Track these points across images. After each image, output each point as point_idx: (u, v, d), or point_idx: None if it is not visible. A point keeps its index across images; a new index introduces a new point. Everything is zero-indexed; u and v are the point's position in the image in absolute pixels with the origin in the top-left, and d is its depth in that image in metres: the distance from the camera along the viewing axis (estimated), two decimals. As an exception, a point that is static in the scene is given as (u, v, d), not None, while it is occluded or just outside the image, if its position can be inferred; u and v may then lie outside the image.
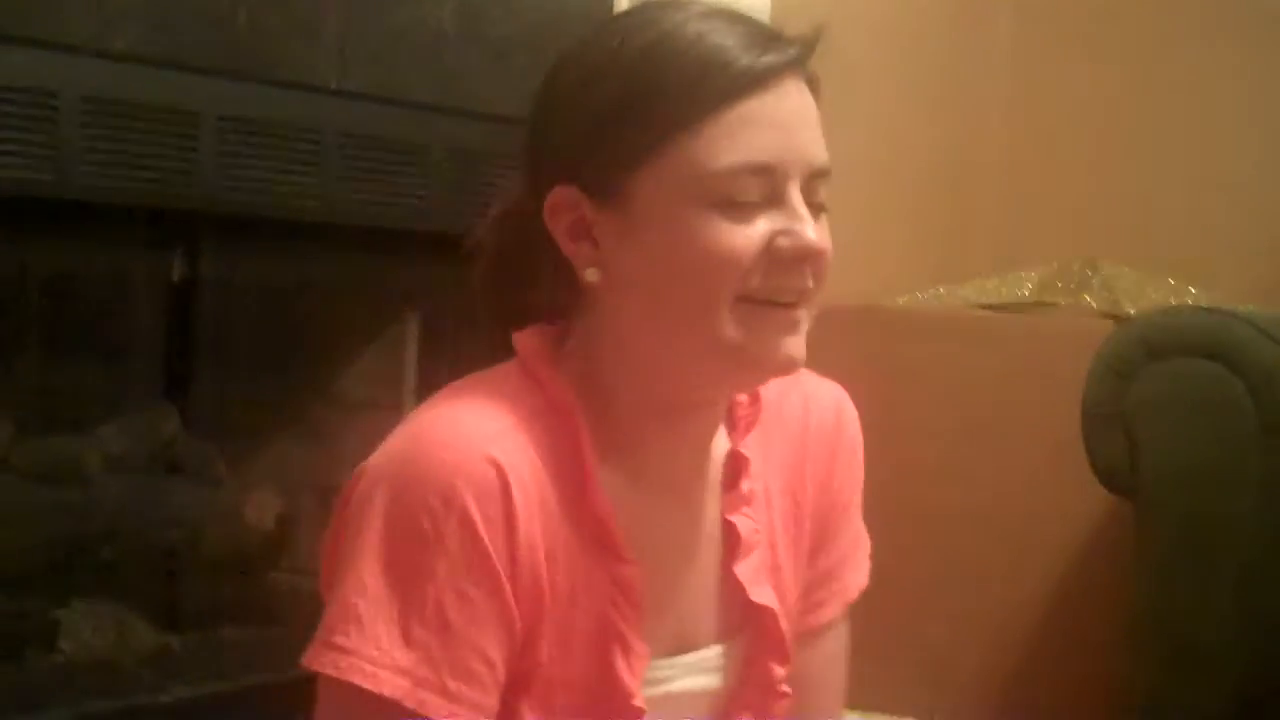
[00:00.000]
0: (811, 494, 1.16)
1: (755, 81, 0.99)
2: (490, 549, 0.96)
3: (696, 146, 0.98)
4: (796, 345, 1.01)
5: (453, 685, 0.95)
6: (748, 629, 1.12)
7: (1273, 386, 1.79)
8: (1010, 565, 2.25)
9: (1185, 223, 2.73)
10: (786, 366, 1.02)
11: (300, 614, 1.99)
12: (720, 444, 1.11)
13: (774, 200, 1.00)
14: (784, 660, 1.12)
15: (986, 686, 2.24)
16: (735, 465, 1.11)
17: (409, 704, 0.95)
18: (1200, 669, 1.82)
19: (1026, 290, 2.40)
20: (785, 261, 0.99)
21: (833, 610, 1.20)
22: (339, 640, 0.95)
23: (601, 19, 1.95)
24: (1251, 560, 1.80)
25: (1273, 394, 1.78)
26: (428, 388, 2.03)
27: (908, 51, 2.72)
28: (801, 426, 1.15)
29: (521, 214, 1.06)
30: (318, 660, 0.96)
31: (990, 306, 2.40)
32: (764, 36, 1.01)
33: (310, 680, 0.99)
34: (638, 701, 1.04)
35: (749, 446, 1.11)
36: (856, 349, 2.23)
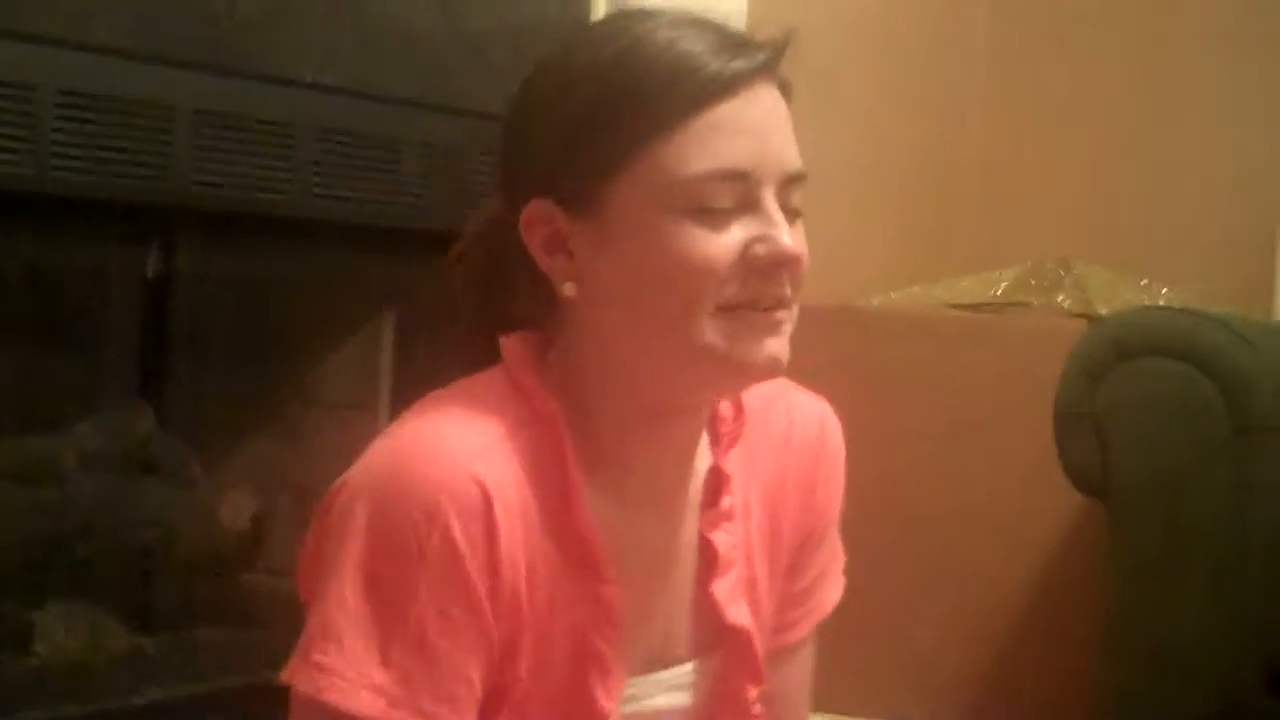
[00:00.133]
0: (792, 511, 1.15)
1: (725, 87, 0.99)
2: (471, 568, 0.95)
3: (668, 153, 0.98)
4: (778, 347, 1.01)
5: (429, 706, 0.95)
6: (722, 647, 1.11)
7: (1244, 388, 1.79)
8: (987, 565, 2.26)
9: (1158, 223, 2.74)
10: (769, 369, 1.01)
11: (276, 615, 1.99)
12: (703, 458, 1.10)
13: (749, 206, 1.00)
14: (757, 680, 1.12)
15: (966, 688, 2.25)
16: (717, 481, 1.10)
17: None
18: (1174, 670, 1.83)
19: (1000, 290, 2.41)
20: (762, 268, 0.99)
21: (806, 628, 1.20)
22: (317, 657, 0.95)
23: (578, 16, 1.97)
24: (1223, 561, 1.81)
25: (1244, 395, 1.79)
26: (404, 386, 2.04)
27: (884, 53, 2.73)
28: (785, 443, 1.15)
29: (500, 227, 1.05)
30: (296, 676, 0.96)
31: (964, 306, 2.41)
32: (734, 42, 1.01)
33: (285, 683, 0.98)
34: None
35: (731, 462, 1.11)
36: (831, 349, 2.24)
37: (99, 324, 2.03)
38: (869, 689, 2.08)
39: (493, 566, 0.96)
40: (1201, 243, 2.70)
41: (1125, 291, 2.36)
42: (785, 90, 1.04)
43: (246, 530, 2.09)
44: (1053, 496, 2.07)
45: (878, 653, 2.15)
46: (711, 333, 0.98)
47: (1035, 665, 2.20)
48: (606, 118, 0.99)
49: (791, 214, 1.02)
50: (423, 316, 2.02)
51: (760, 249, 0.99)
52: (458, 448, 0.97)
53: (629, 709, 1.06)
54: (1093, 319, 2.18)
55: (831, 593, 1.21)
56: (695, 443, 1.09)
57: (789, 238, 1.00)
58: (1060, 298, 2.35)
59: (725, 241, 0.98)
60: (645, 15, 1.04)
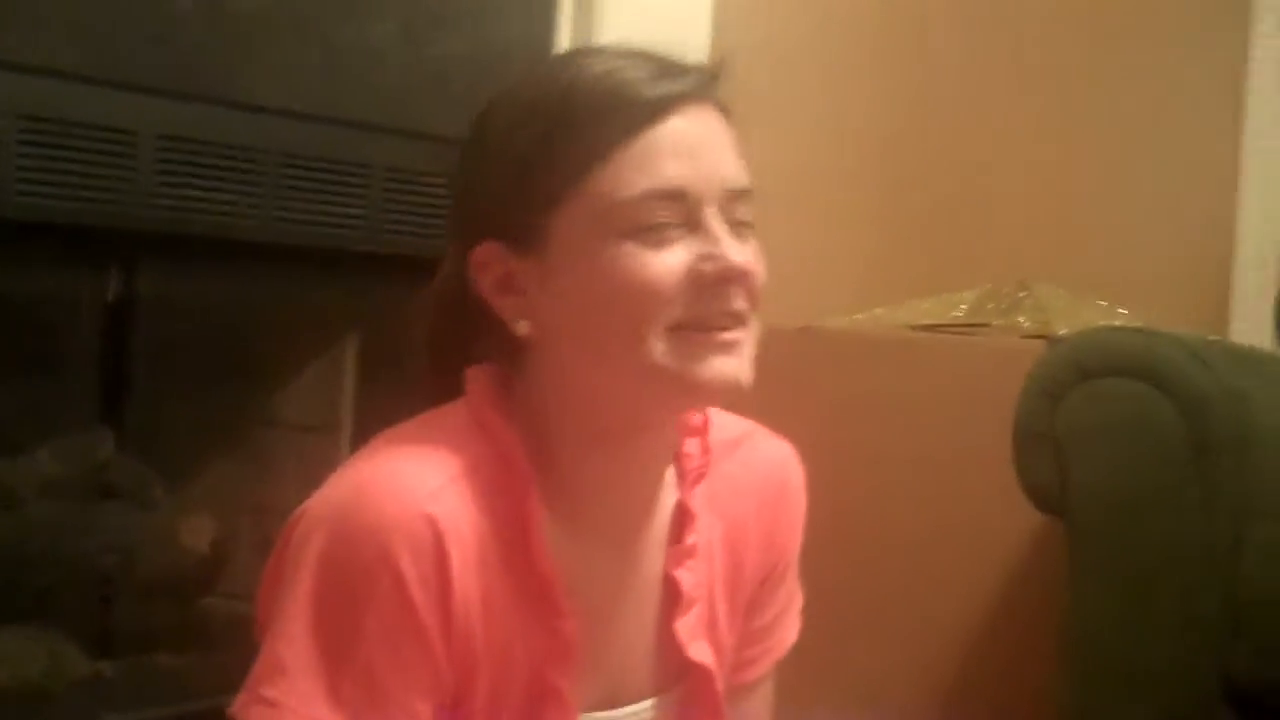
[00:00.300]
0: (754, 551, 1.16)
1: (657, 111, 1.00)
2: (422, 608, 0.95)
3: (605, 179, 0.99)
4: (734, 366, 1.01)
5: None
6: (682, 685, 1.12)
7: (1202, 408, 1.81)
8: (948, 586, 2.26)
9: (1116, 245, 2.77)
10: (724, 388, 1.02)
11: (236, 640, 1.98)
12: (669, 495, 1.11)
13: (692, 226, 1.00)
14: (718, 718, 1.12)
15: (926, 710, 2.25)
16: (682, 518, 1.11)
17: None
18: (1133, 689, 1.83)
19: (960, 311, 2.42)
20: (710, 285, 1.00)
21: (763, 667, 1.21)
22: (265, 692, 0.95)
23: (542, 40, 1.98)
24: (1182, 580, 1.82)
25: (1202, 415, 1.80)
26: (367, 409, 2.04)
27: (845, 76, 2.74)
28: (749, 483, 1.15)
29: (456, 275, 1.06)
30: (246, 709, 0.96)
31: (925, 328, 2.42)
32: (667, 68, 1.03)
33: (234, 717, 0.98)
34: None
35: (696, 500, 1.11)
36: (793, 371, 2.25)
37: (60, 348, 2.02)
38: (824, 712, 2.08)
39: (445, 605, 0.96)
40: (1159, 264, 2.73)
41: (1084, 312, 2.37)
42: (725, 112, 1.06)
43: (207, 554, 2.08)
44: (1013, 516, 2.07)
45: (837, 675, 2.16)
46: (662, 353, 0.99)
47: (996, 686, 2.21)
48: (545, 153, 1.01)
49: (741, 228, 1.03)
50: (386, 340, 2.02)
51: (706, 266, 1.00)
52: (414, 485, 0.97)
53: None
54: (1052, 339, 2.19)
55: (790, 631, 1.22)
56: (659, 476, 1.10)
57: (737, 253, 1.01)
58: (1020, 319, 2.36)
59: (669, 261, 0.99)
60: (584, 52, 1.08)
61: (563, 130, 1.01)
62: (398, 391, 1.98)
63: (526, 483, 1.02)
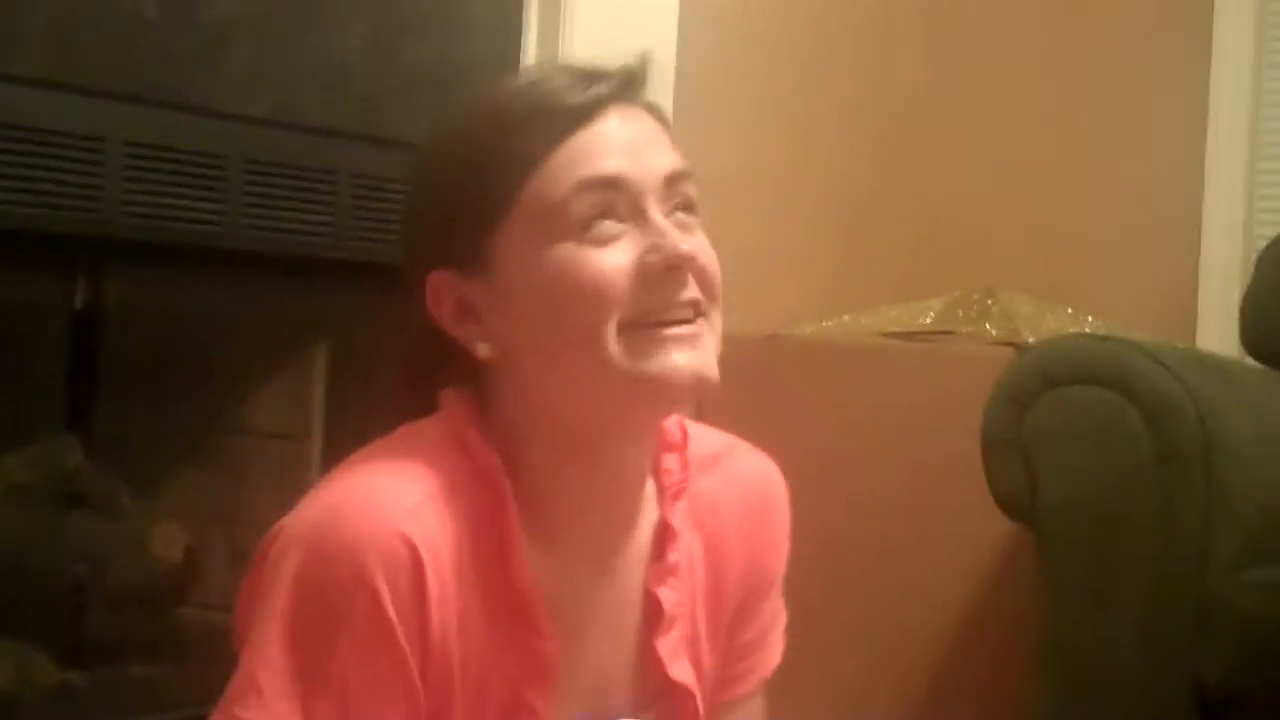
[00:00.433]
0: (735, 569, 1.15)
1: (583, 114, 1.01)
2: (397, 628, 0.95)
3: (538, 187, 1.00)
4: (693, 360, 1.00)
5: None
6: (662, 705, 1.11)
7: (1168, 416, 1.82)
8: (917, 593, 2.27)
9: (1084, 253, 2.78)
10: (685, 383, 1.00)
11: (209, 649, 1.97)
12: (649, 513, 1.10)
13: (635, 222, 1.00)
14: None
15: (895, 716, 2.26)
16: (663, 535, 1.10)
17: None
18: (1102, 695, 1.84)
19: (928, 319, 2.43)
20: (658, 275, 1.00)
21: (748, 685, 1.19)
22: (239, 712, 0.95)
23: (507, 46, 1.98)
24: (1148, 587, 1.83)
25: (1169, 423, 1.81)
26: (337, 417, 2.04)
27: (812, 84, 2.76)
28: (730, 498, 1.14)
29: (417, 312, 1.06)
30: None
31: (893, 335, 2.43)
32: (588, 75, 1.03)
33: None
34: None
35: (677, 516, 1.10)
36: (760, 378, 2.26)
37: (26, 356, 2.01)
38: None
39: (421, 625, 0.96)
40: (1126, 272, 2.74)
41: (1052, 320, 2.39)
42: (655, 113, 1.06)
43: (178, 563, 2.07)
44: (984, 523, 2.08)
45: (810, 683, 2.16)
46: (618, 353, 0.99)
47: (971, 694, 2.21)
48: (477, 174, 1.01)
49: (687, 223, 1.03)
50: (355, 347, 2.01)
51: (652, 257, 0.99)
52: (392, 504, 0.97)
53: None
54: (1020, 347, 2.20)
55: (774, 651, 1.21)
56: (637, 492, 1.09)
57: (682, 241, 1.00)
58: (988, 326, 2.38)
59: (613, 258, 0.99)
60: (509, 76, 1.07)
61: (492, 148, 1.01)
62: (368, 398, 2.00)
63: (504, 499, 1.01)
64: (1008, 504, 1.93)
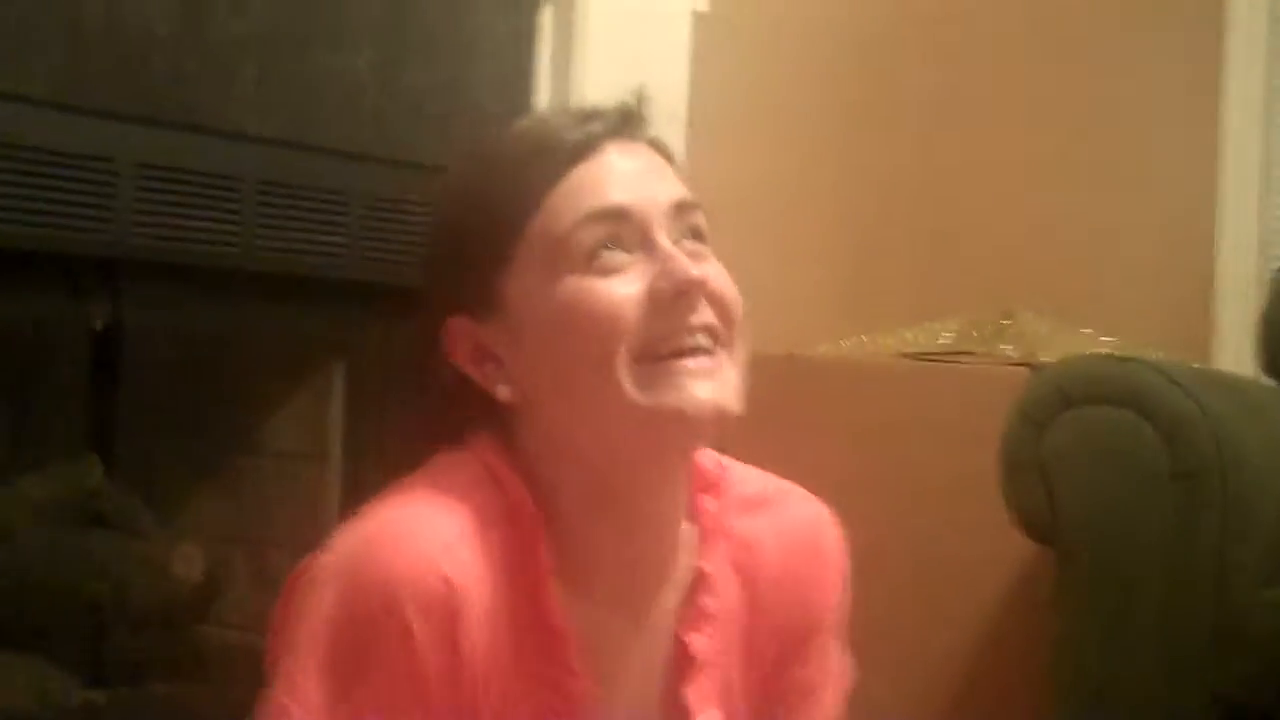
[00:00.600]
0: (777, 615, 1.12)
1: (584, 150, 1.01)
2: (429, 666, 0.94)
3: (543, 223, 1.00)
4: (713, 391, 0.98)
5: None
6: None
7: (1185, 434, 1.82)
8: (936, 613, 2.26)
9: (1098, 273, 2.78)
10: (704, 415, 0.99)
11: (228, 668, 1.98)
12: (685, 556, 1.08)
13: (643, 251, 1.00)
14: None
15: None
16: (697, 580, 1.07)
17: None
18: (1117, 715, 1.84)
19: (945, 339, 2.43)
20: (669, 301, 0.98)
21: None
22: None
23: (517, 67, 1.98)
24: (1166, 605, 1.83)
25: (1185, 441, 1.81)
26: (354, 436, 2.04)
27: (824, 101, 2.76)
28: (775, 544, 1.11)
29: (437, 358, 1.05)
30: None
31: (910, 355, 2.43)
32: (586, 115, 1.04)
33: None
34: None
35: (714, 561, 1.08)
36: (776, 398, 2.25)
37: (47, 377, 2.02)
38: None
39: (453, 664, 0.95)
40: (1141, 291, 2.74)
41: (1068, 340, 2.38)
42: (658, 148, 1.05)
43: (199, 582, 2.08)
44: (1000, 543, 2.08)
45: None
46: (631, 385, 0.97)
47: (985, 711, 2.21)
48: (483, 216, 1.02)
49: (698, 251, 1.02)
50: (372, 366, 2.02)
51: (661, 283, 0.98)
52: (427, 541, 0.96)
53: None
54: (1036, 367, 2.20)
55: (827, 709, 1.16)
56: (671, 537, 1.07)
57: (693, 266, 0.99)
58: (1004, 346, 2.38)
59: (622, 287, 0.98)
60: (509, 123, 1.07)
61: (494, 191, 1.01)
62: (385, 417, 2.00)
63: (537, 537, 1.00)
64: (1026, 523, 1.93)
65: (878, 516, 2.26)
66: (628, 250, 1.00)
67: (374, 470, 2.00)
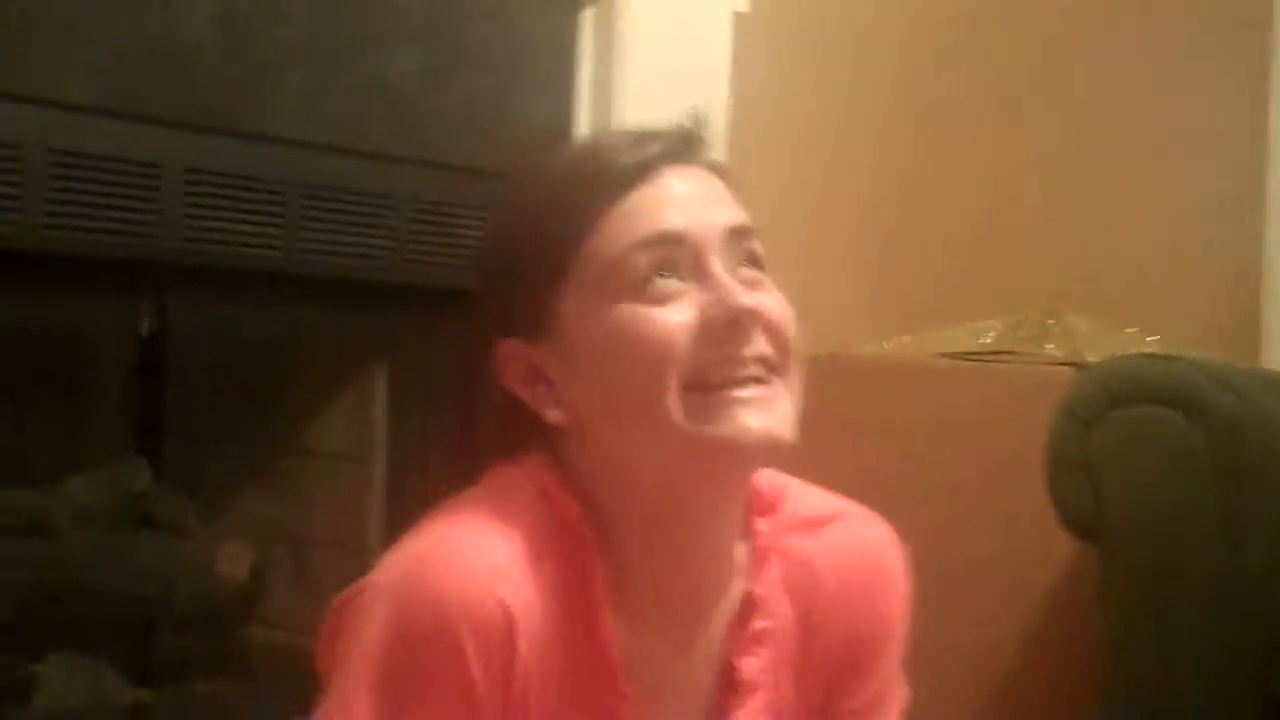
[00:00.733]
0: (833, 637, 1.10)
1: (638, 173, 0.99)
2: (481, 688, 0.94)
3: (596, 247, 0.98)
4: (763, 421, 0.97)
5: None
6: None
7: (1231, 434, 1.81)
8: (978, 613, 2.25)
9: (1144, 271, 2.76)
10: (755, 446, 0.97)
11: (274, 667, 2.00)
12: (737, 578, 1.07)
13: (696, 278, 0.98)
14: None
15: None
16: (748, 602, 1.06)
17: None
18: (1170, 713, 1.83)
19: (988, 339, 2.42)
20: (722, 331, 0.97)
21: None
22: None
23: (563, 69, 1.99)
24: (1214, 606, 1.82)
25: (1232, 441, 1.80)
26: (398, 437, 2.05)
27: (866, 101, 2.76)
28: (832, 565, 1.10)
29: (490, 378, 1.05)
30: None
31: (953, 355, 2.42)
32: (643, 137, 1.02)
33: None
34: None
35: (767, 582, 1.07)
36: (819, 398, 2.24)
37: (94, 380, 2.05)
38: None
39: (505, 686, 0.95)
40: (1187, 290, 2.71)
41: (1113, 340, 2.37)
42: (717, 171, 1.04)
43: (244, 582, 2.10)
44: (1044, 542, 2.07)
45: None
46: (681, 415, 0.96)
47: (1028, 713, 2.20)
48: (536, 239, 1.01)
49: (751, 264, 1.01)
50: (414, 368, 2.03)
51: (714, 312, 0.97)
52: (481, 563, 0.96)
53: None
54: (1081, 367, 2.19)
55: None
56: (725, 561, 1.06)
57: (746, 295, 0.97)
58: (1049, 346, 2.36)
59: (675, 316, 0.97)
60: (564, 144, 1.07)
61: (548, 213, 1.00)
62: (428, 420, 2.01)
63: (591, 558, 1.00)
64: (1072, 523, 1.92)
65: (920, 516, 2.24)
66: (681, 277, 0.98)
67: (416, 471, 2.01)
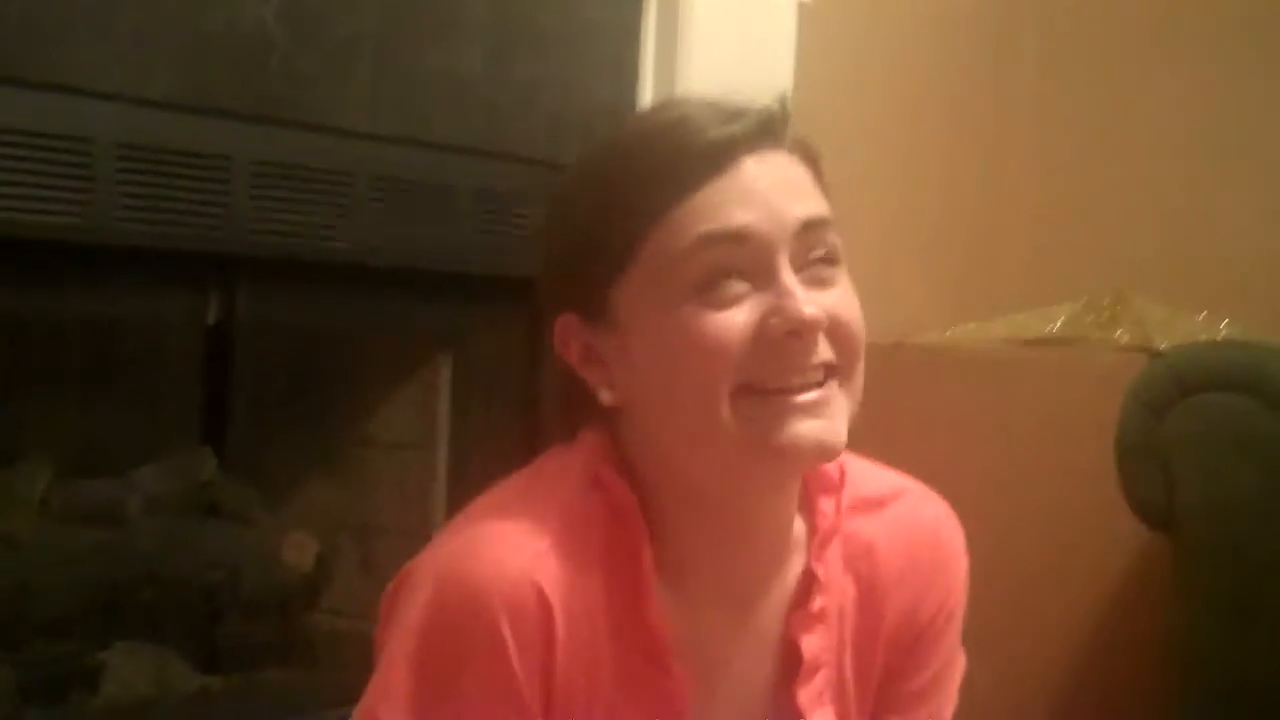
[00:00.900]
0: (894, 615, 1.10)
1: (713, 161, 0.96)
2: (520, 674, 0.94)
3: (662, 238, 0.96)
4: (815, 429, 0.95)
5: None
6: None
7: (1306, 420, 1.78)
8: (1047, 602, 2.24)
9: (1215, 255, 2.72)
10: (805, 454, 0.96)
11: (340, 655, 2.01)
12: (796, 558, 1.06)
13: (762, 280, 0.95)
14: None
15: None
16: (807, 581, 1.06)
17: None
18: (1243, 705, 1.81)
19: (1056, 325, 2.40)
20: (779, 342, 0.94)
21: None
22: None
23: (628, 60, 1.99)
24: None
25: (1307, 427, 1.78)
26: (461, 427, 2.06)
27: (933, 88, 2.73)
28: (893, 543, 1.09)
29: (553, 350, 1.04)
30: None
31: (1020, 342, 2.40)
32: (725, 116, 0.98)
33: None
34: None
35: (827, 561, 1.06)
36: (886, 387, 2.23)
37: (162, 370, 2.06)
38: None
39: (545, 668, 0.95)
40: (1259, 274, 2.67)
41: (1184, 325, 2.34)
42: (801, 152, 1.00)
43: (309, 570, 2.11)
44: (1115, 531, 2.05)
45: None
46: (731, 417, 0.94)
47: (1103, 703, 2.18)
48: (602, 223, 0.98)
49: (822, 270, 0.98)
50: (478, 358, 2.03)
51: (774, 320, 0.94)
52: (522, 546, 0.96)
53: None
54: (1152, 353, 2.17)
55: (944, 706, 1.14)
56: (778, 543, 1.05)
57: (808, 305, 0.95)
58: (1118, 332, 2.33)
59: (735, 319, 0.94)
60: (641, 113, 1.04)
61: (616, 198, 0.98)
62: (491, 410, 2.02)
63: (639, 541, 0.99)
64: (1144, 511, 1.90)
65: (988, 505, 2.24)
66: (746, 277, 0.96)
67: (479, 460, 2.02)
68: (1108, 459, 1.90)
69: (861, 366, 0.99)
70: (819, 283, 0.97)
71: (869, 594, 1.09)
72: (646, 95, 2.00)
